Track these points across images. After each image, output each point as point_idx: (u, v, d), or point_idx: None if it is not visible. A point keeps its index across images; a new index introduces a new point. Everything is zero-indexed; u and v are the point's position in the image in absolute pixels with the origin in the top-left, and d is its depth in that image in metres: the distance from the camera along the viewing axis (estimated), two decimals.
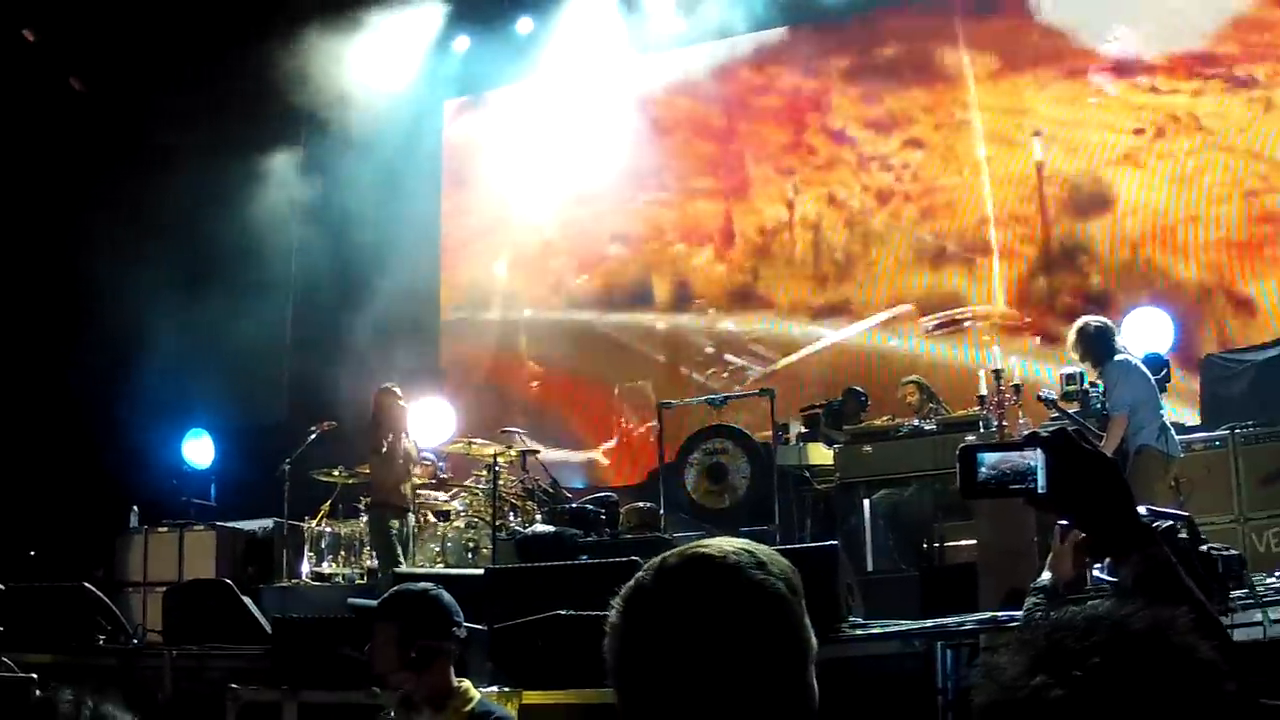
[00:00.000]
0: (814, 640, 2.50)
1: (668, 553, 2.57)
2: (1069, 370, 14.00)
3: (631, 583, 2.52)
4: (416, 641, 6.12)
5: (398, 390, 15.75)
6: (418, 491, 17.22)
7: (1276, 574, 11.11)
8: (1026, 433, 2.98)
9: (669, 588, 2.46)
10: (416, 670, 6.11)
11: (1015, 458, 2.89)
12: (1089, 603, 2.17)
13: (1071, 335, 13.17)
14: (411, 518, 16.24)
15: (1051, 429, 2.94)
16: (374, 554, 15.55)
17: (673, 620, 2.40)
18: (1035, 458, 2.86)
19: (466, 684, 6.37)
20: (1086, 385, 13.64)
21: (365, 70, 22.11)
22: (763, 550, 2.52)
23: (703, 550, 2.51)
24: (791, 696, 2.44)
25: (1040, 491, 2.85)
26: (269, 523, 18.71)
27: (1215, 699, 2.03)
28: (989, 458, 2.93)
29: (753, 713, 2.38)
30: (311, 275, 23.02)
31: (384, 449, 15.05)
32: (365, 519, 15.97)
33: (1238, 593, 8.59)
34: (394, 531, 15.17)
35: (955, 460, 2.96)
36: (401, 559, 15.04)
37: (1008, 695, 2.04)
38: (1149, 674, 1.99)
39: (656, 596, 2.46)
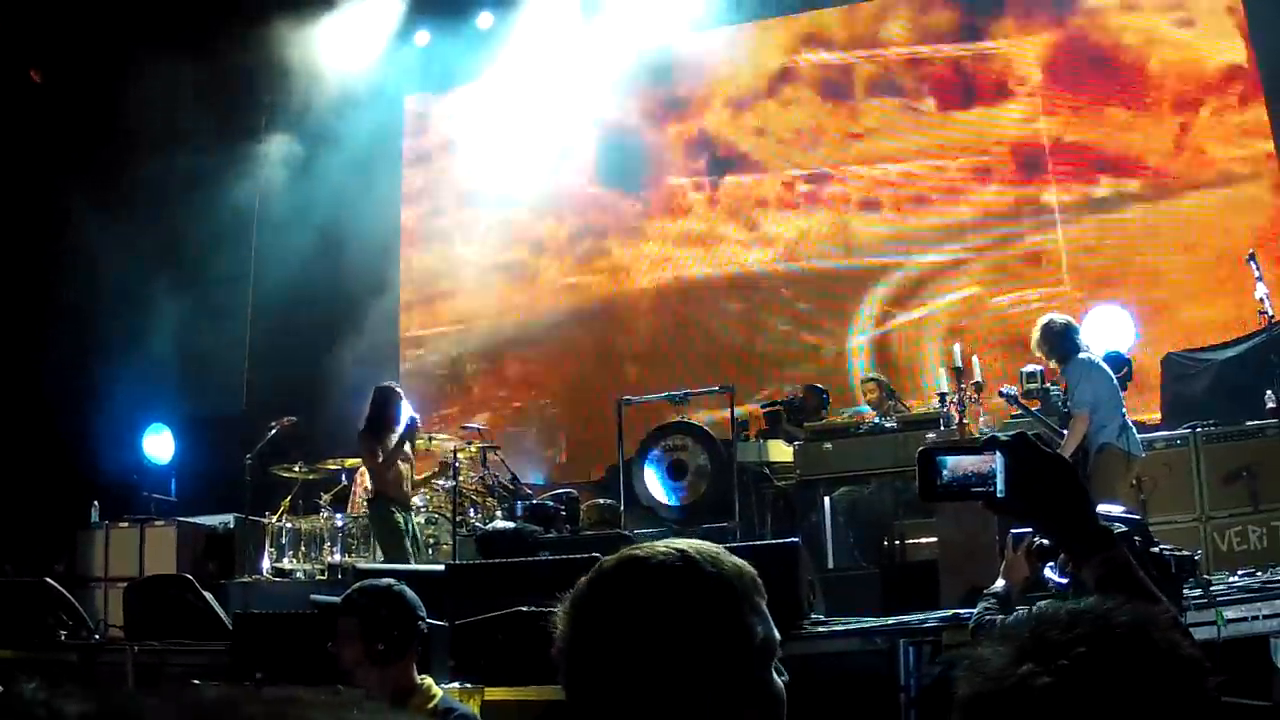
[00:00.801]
0: (773, 635, 2.51)
1: (605, 558, 2.59)
2: (1030, 369, 14.05)
3: (574, 589, 2.53)
4: (380, 637, 6.12)
5: (399, 388, 15.66)
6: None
7: (1239, 573, 11.19)
8: (986, 436, 2.98)
9: (602, 592, 2.49)
10: (380, 665, 6.12)
11: (975, 461, 2.91)
12: (1064, 601, 2.18)
13: (1036, 332, 13.20)
14: (414, 515, 16.21)
15: (1011, 433, 2.95)
16: (380, 551, 15.33)
17: (606, 624, 2.44)
18: (995, 462, 2.87)
19: (429, 681, 6.38)
20: (1047, 384, 13.68)
21: (326, 63, 22.08)
22: (706, 549, 2.53)
23: (633, 553, 2.53)
24: (738, 694, 2.43)
25: (999, 495, 2.86)
26: (229, 518, 18.63)
27: (1198, 694, 2.04)
28: (949, 461, 2.94)
29: (694, 712, 2.39)
30: (271, 269, 22.92)
31: (390, 446, 14.94)
32: (369, 516, 15.78)
33: (1191, 593, 8.64)
34: (401, 527, 15.04)
35: (916, 464, 2.97)
36: (411, 555, 14.93)
37: (993, 685, 2.06)
38: (1134, 666, 2.01)
39: (591, 601, 2.49)
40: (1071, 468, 2.97)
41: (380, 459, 14.86)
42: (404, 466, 15.17)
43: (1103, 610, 2.12)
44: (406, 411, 15.32)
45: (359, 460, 17.90)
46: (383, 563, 14.55)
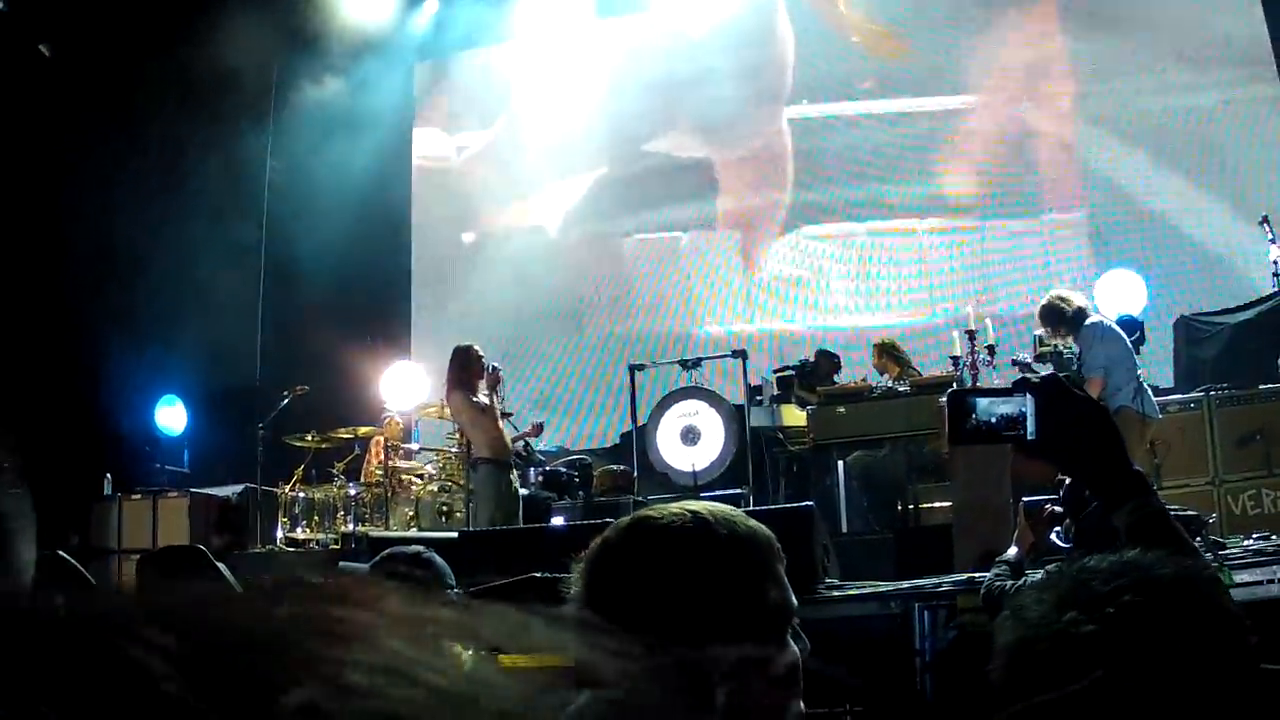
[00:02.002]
0: (789, 601, 2.48)
1: (618, 520, 2.57)
2: (1041, 332, 14.00)
3: (587, 551, 2.51)
4: None
5: (477, 345, 15.35)
6: (395, 453, 17.30)
7: (1253, 537, 11.15)
8: (1018, 379, 2.94)
9: (614, 555, 2.46)
10: None
11: (1005, 404, 2.85)
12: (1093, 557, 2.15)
13: (1038, 315, 13.12)
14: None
15: (1043, 375, 2.91)
16: (487, 512, 14.87)
17: (617, 586, 2.41)
18: (1025, 404, 2.83)
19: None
20: (1060, 348, 13.61)
21: (338, 31, 22.08)
22: (719, 511, 2.50)
23: (645, 515, 2.51)
24: (750, 658, 2.40)
25: (1030, 438, 2.82)
26: (242, 489, 18.64)
27: (1239, 648, 2.02)
28: (979, 403, 2.88)
29: (705, 675, 2.35)
30: (283, 239, 22.90)
31: (483, 407, 14.66)
32: (475, 480, 15.43)
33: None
34: (507, 487, 14.73)
35: (945, 407, 2.93)
36: (519, 516, 14.74)
37: (1036, 632, 2.03)
38: (1179, 617, 1.99)
39: (603, 564, 2.46)
40: (1104, 411, 2.93)
41: (477, 416, 14.57)
42: (499, 424, 14.87)
43: (1147, 562, 2.10)
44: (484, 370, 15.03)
45: (371, 429, 17.90)
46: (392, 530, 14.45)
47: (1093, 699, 1.97)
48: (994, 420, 2.86)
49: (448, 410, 16.95)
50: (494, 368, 15.03)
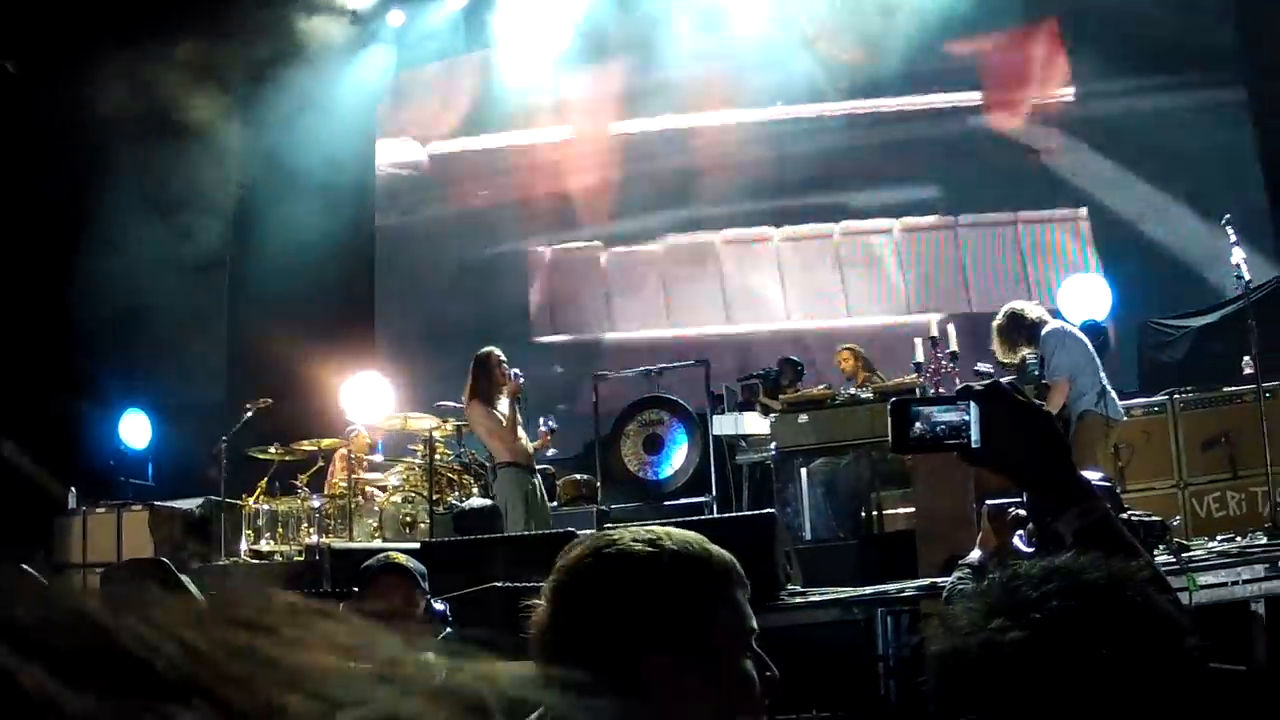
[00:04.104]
0: (747, 623, 2.54)
1: (581, 542, 2.63)
2: (997, 348, 14.02)
3: (552, 576, 2.57)
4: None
5: (498, 351, 15.15)
6: (358, 465, 17.28)
7: (1218, 538, 11.21)
8: (961, 387, 2.92)
9: (577, 582, 2.51)
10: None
11: (949, 412, 2.84)
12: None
13: (994, 333, 13.15)
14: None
15: (985, 382, 2.89)
16: (517, 518, 14.66)
17: (578, 613, 2.47)
18: (969, 412, 2.80)
19: (429, 656, 6.41)
20: (1027, 356, 13.63)
21: (301, 35, 22.07)
22: (679, 537, 2.55)
23: (608, 541, 2.56)
24: (708, 679, 2.46)
25: (974, 445, 2.80)
26: (206, 501, 18.60)
27: (1173, 650, 2.00)
28: (922, 411, 2.87)
29: (665, 697, 2.39)
30: (247, 254, 22.89)
31: (503, 412, 14.50)
32: (496, 487, 15.29)
33: (1161, 559, 8.63)
34: (533, 492, 14.58)
35: (888, 416, 2.92)
36: (550, 519, 14.70)
37: (963, 641, 2.02)
38: (1107, 621, 1.97)
39: (566, 591, 2.52)
40: (1048, 417, 2.91)
41: (495, 427, 14.42)
42: (518, 430, 14.69)
43: (1076, 566, 2.09)
44: (507, 372, 14.85)
45: (335, 441, 17.86)
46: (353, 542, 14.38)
47: (1024, 706, 1.96)
48: (938, 429, 2.84)
49: (410, 421, 16.96)
50: (516, 375, 14.92)
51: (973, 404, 2.80)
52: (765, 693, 2.53)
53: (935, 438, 2.85)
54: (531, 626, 2.52)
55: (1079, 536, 2.67)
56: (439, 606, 6.79)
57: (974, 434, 2.80)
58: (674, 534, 2.55)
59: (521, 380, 15.03)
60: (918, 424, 2.86)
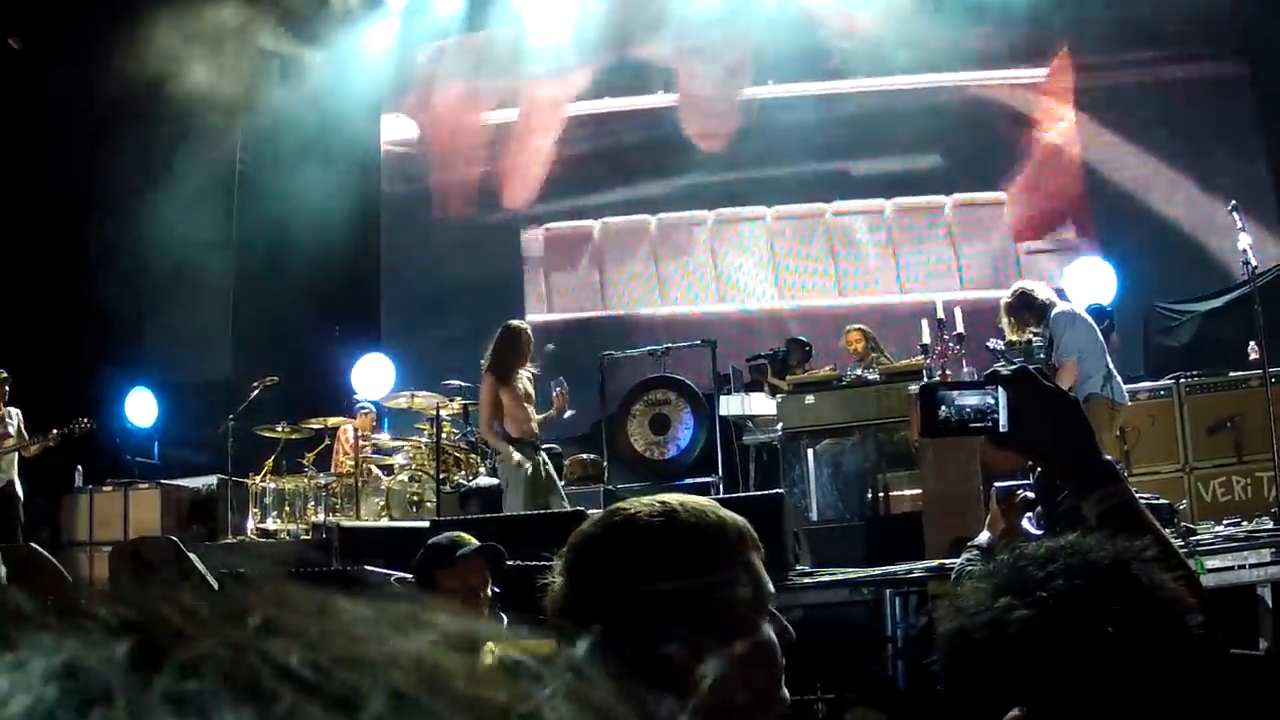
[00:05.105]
0: (763, 588, 2.50)
1: (593, 517, 2.62)
2: (1007, 325, 14.01)
3: (566, 548, 2.55)
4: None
5: (526, 326, 14.70)
6: (365, 443, 17.31)
7: (1224, 523, 11.22)
8: (988, 371, 2.95)
9: (591, 552, 2.51)
10: None
11: (976, 396, 2.87)
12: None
13: (1004, 309, 13.13)
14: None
15: (1013, 366, 2.92)
16: (519, 496, 14.28)
17: (594, 584, 2.46)
18: (997, 396, 2.84)
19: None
20: (1031, 336, 13.63)
21: (303, 21, 22.08)
22: (691, 503, 2.54)
23: (620, 511, 2.55)
24: (728, 647, 2.41)
25: (1002, 430, 2.84)
26: (213, 480, 18.62)
27: (1178, 629, 2.02)
28: (950, 396, 2.90)
29: (685, 666, 2.37)
30: (253, 231, 22.89)
31: (518, 387, 14.09)
32: (502, 460, 14.80)
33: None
34: (535, 469, 14.25)
35: (916, 400, 2.95)
36: (564, 499, 14.18)
37: (970, 620, 2.04)
38: (1111, 599, 1.99)
39: (580, 562, 2.50)
40: (1074, 401, 2.95)
41: (502, 401, 14.02)
42: (529, 408, 14.32)
43: (1082, 546, 2.11)
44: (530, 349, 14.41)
45: (341, 419, 17.88)
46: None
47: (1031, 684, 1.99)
48: (965, 412, 2.88)
49: (416, 400, 16.94)
50: (559, 391, 14.52)
51: (1000, 389, 2.84)
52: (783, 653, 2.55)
53: (961, 421, 2.88)
54: (548, 602, 2.51)
55: (1102, 519, 2.70)
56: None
57: (1002, 418, 2.83)
58: (687, 501, 2.54)
59: (563, 388, 14.60)
60: (943, 408, 2.89)
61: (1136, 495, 2.79)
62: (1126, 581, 2.04)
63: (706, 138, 22.22)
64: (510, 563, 7.73)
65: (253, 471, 17.72)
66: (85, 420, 17.17)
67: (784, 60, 21.74)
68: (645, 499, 2.55)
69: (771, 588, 2.53)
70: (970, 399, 2.86)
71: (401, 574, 7.41)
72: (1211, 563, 9.35)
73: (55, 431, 16.83)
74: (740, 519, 2.55)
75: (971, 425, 2.86)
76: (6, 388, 16.79)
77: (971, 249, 20.35)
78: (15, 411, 16.80)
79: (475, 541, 6.78)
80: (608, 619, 2.34)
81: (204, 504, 18.61)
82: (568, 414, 14.71)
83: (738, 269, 21.70)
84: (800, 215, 21.49)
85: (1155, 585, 2.06)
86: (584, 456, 16.82)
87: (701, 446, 16.52)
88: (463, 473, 16.79)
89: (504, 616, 6.40)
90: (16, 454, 16.63)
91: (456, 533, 7.02)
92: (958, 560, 7.24)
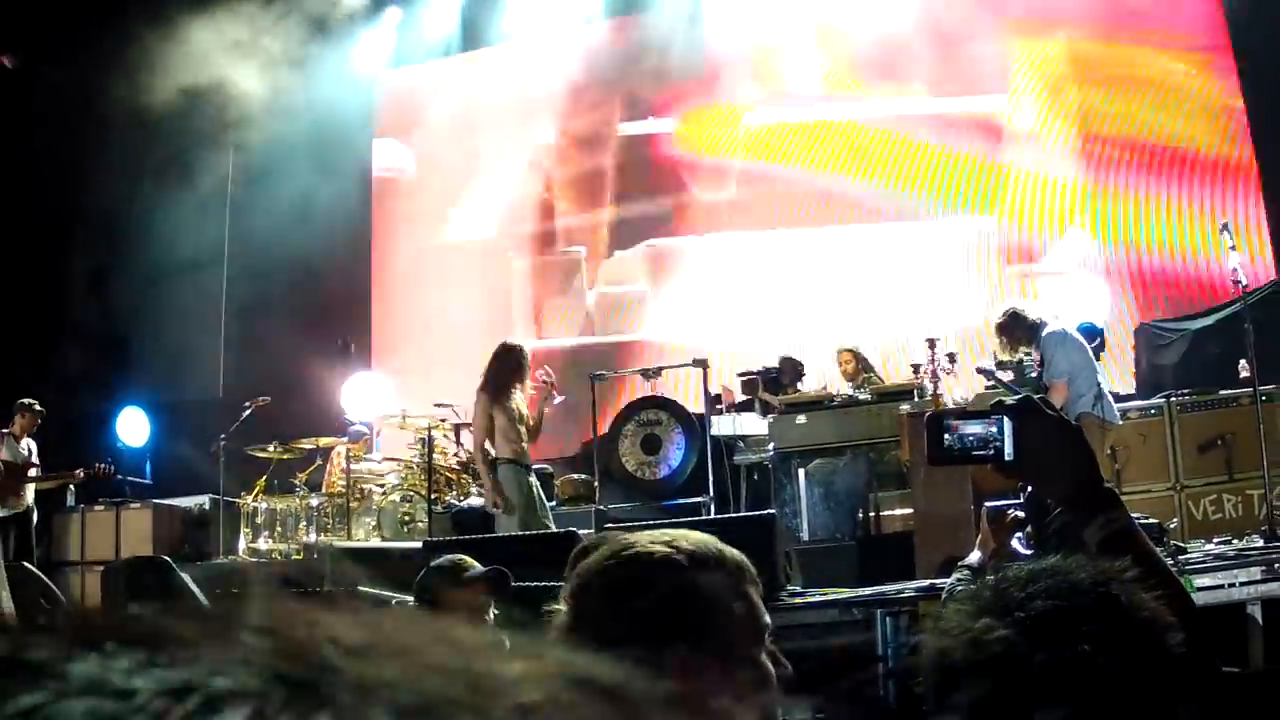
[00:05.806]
0: (760, 620, 2.57)
1: (598, 548, 2.66)
2: (998, 346, 14.03)
3: (570, 580, 2.62)
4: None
5: (525, 346, 14.65)
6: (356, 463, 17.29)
7: (1214, 541, 11.25)
8: (993, 402, 3.02)
9: (595, 588, 2.55)
10: None
11: (981, 425, 2.96)
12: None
13: (996, 329, 13.15)
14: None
15: (1018, 397, 2.99)
16: (512, 517, 14.14)
17: (597, 619, 2.50)
18: (1002, 424, 2.93)
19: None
20: (1021, 356, 13.66)
21: (296, 41, 22.07)
22: (695, 540, 2.60)
23: (627, 547, 2.59)
24: (727, 675, 2.47)
25: (1007, 458, 2.90)
26: (205, 499, 18.61)
27: (1157, 648, 2.04)
28: (956, 425, 3.00)
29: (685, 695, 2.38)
30: (245, 252, 22.90)
31: (513, 407, 14.01)
32: (489, 480, 14.67)
33: None
34: (529, 490, 14.16)
35: (923, 428, 3.03)
36: (550, 520, 14.07)
37: (952, 641, 2.07)
38: (1090, 620, 2.02)
39: (585, 599, 2.56)
40: (1076, 429, 3.04)
41: (494, 421, 13.91)
42: (520, 428, 14.21)
43: (1063, 567, 2.15)
44: (531, 370, 14.31)
45: (333, 439, 17.87)
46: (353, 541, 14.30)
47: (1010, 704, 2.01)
48: (968, 440, 2.97)
49: (408, 420, 16.95)
50: (544, 379, 14.44)
51: (1005, 418, 2.93)
52: (780, 688, 2.59)
53: (964, 449, 2.98)
54: (552, 631, 2.56)
55: (1102, 545, 2.75)
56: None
57: (1007, 447, 2.92)
58: (689, 536, 2.60)
59: (552, 386, 14.48)
60: (949, 436, 2.99)
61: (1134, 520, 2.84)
62: (1106, 602, 2.07)
63: (698, 161, 22.25)
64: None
65: (244, 491, 17.71)
66: (110, 462, 17.29)
67: (775, 81, 21.81)
68: (650, 533, 2.62)
69: (769, 620, 2.59)
70: (975, 427, 2.97)
71: (399, 595, 7.37)
72: (1202, 581, 9.38)
73: (81, 472, 16.96)
74: (739, 555, 2.62)
75: (976, 453, 2.97)
76: (39, 420, 16.89)
77: (962, 269, 20.35)
78: (32, 444, 16.93)
79: (478, 565, 6.77)
80: (609, 648, 2.36)
81: (196, 523, 18.61)
82: (558, 400, 14.63)
83: (729, 291, 21.68)
84: (793, 238, 21.49)
85: (1135, 605, 2.08)
86: (575, 477, 16.83)
87: (693, 466, 16.52)
88: (454, 493, 16.79)
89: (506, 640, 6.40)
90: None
91: (458, 555, 7.02)
92: (948, 580, 7.26)
